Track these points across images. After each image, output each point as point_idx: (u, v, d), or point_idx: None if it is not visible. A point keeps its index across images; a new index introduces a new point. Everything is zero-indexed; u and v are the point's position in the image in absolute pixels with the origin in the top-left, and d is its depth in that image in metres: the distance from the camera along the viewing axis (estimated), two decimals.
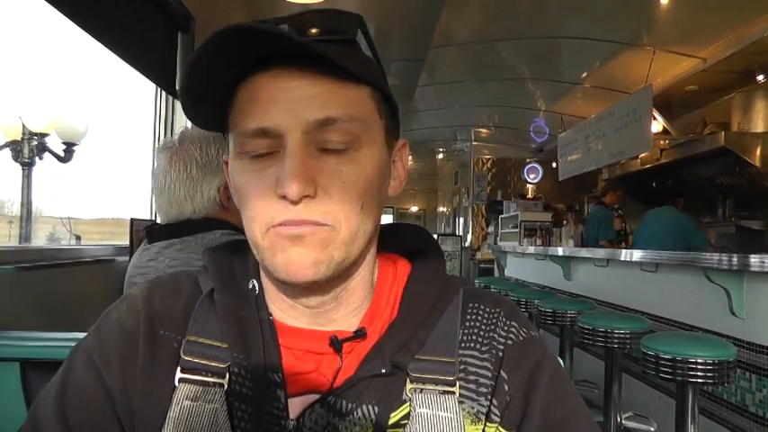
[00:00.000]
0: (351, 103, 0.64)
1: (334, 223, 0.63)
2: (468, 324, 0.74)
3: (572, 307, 3.78)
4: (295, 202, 0.61)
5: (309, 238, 0.63)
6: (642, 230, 5.64)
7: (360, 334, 0.70)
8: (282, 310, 0.72)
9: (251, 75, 0.64)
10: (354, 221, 0.65)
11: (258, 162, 0.65)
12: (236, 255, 0.78)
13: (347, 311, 0.72)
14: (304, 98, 0.62)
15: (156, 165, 1.66)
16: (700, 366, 2.32)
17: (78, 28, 2.36)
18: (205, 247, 0.82)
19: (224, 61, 0.62)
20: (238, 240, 0.77)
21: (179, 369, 0.68)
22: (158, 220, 1.73)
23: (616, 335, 2.97)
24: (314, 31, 0.64)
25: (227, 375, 0.68)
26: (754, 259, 2.65)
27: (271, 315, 0.72)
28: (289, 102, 0.62)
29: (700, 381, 2.33)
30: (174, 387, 0.68)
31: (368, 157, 0.66)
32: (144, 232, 1.67)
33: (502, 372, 0.71)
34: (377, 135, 0.69)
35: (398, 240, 0.82)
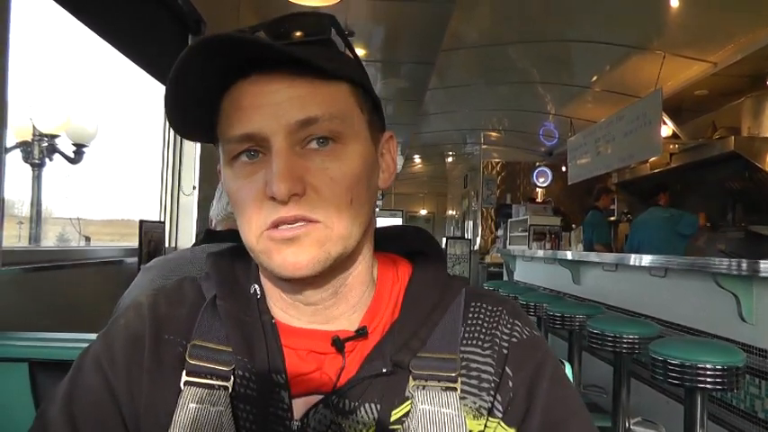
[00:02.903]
0: (330, 100, 0.66)
1: (325, 220, 0.65)
2: (469, 322, 0.75)
3: (581, 311, 3.77)
4: (284, 202, 0.63)
5: (304, 238, 0.65)
6: (632, 238, 5.63)
7: (361, 333, 0.71)
8: (284, 310, 0.74)
9: (233, 83, 0.66)
10: (346, 216, 0.66)
11: (247, 167, 0.67)
12: (238, 260, 0.79)
13: (347, 308, 0.73)
14: (285, 100, 0.64)
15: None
16: (708, 372, 2.30)
17: (90, 30, 2.38)
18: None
19: (201, 74, 0.64)
20: (241, 246, 0.78)
21: (184, 372, 0.70)
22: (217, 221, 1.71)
23: (625, 339, 2.96)
24: (293, 34, 0.67)
25: (232, 378, 0.70)
26: (764, 265, 2.64)
27: (273, 318, 0.74)
28: (270, 105, 0.64)
29: (708, 386, 2.32)
30: (180, 390, 0.69)
31: (353, 151, 0.68)
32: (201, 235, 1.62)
33: (507, 368, 0.72)
34: (360, 129, 0.70)
35: (399, 242, 0.83)
